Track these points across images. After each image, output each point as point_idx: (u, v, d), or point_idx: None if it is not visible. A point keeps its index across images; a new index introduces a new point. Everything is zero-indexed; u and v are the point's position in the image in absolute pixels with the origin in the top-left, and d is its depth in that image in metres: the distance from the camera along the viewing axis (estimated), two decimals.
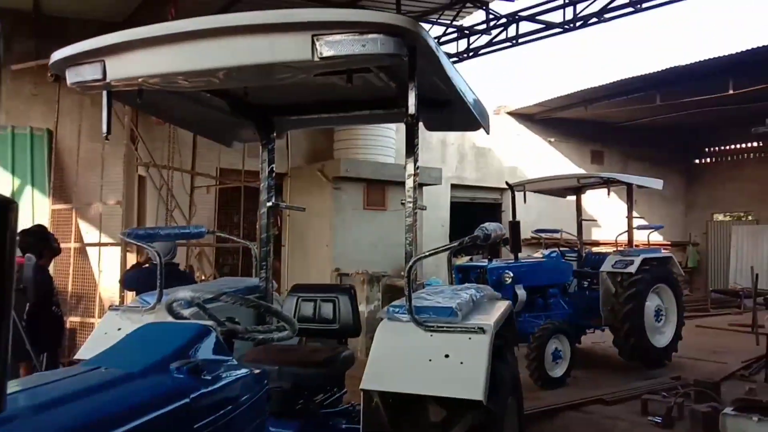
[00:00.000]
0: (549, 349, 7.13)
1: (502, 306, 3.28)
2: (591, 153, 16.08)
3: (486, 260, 7.62)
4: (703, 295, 16.40)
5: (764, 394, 6.84)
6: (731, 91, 11.02)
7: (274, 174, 3.81)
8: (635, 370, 8.06)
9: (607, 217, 15.55)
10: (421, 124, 3.76)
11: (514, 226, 7.69)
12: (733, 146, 17.81)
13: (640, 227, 8.39)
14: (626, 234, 8.78)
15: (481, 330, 2.61)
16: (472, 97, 3.40)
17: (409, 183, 3.48)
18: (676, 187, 18.23)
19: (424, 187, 11.89)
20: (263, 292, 3.75)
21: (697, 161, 18.59)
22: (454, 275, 7.64)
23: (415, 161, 3.45)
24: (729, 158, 17.96)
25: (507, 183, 8.10)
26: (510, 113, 14.94)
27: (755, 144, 17.27)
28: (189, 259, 9.01)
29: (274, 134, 3.76)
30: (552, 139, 15.51)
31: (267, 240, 3.81)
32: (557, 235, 10.55)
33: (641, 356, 8.07)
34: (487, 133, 3.74)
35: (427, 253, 3.00)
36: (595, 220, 12.30)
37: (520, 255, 8.20)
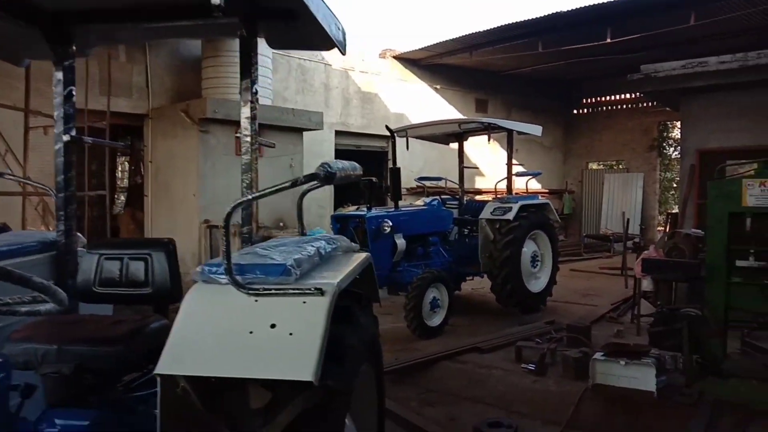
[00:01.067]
0: (427, 298, 6.89)
1: (357, 259, 2.77)
2: (475, 101, 16.03)
3: (365, 209, 7.19)
4: (577, 241, 17.21)
5: (631, 336, 7.06)
6: (609, 40, 11.15)
7: (73, 99, 3.00)
8: (512, 316, 8.09)
9: (490, 166, 15.73)
10: (263, 41, 3.12)
11: (394, 173, 7.28)
12: (608, 97, 18.52)
13: (518, 174, 8.31)
14: (506, 181, 8.67)
15: (319, 291, 2.08)
16: (323, 10, 2.78)
17: (245, 112, 2.85)
18: (555, 136, 18.78)
19: (305, 133, 11.21)
20: (63, 248, 3.00)
21: (576, 111, 19.19)
22: (331, 225, 7.15)
23: (252, 84, 2.82)
24: (605, 108, 18.69)
25: (387, 128, 7.62)
26: (396, 57, 14.41)
27: (628, 95, 18.04)
28: (26, 211, 7.81)
29: (73, 49, 2.94)
30: (438, 87, 15.23)
31: (66, 183, 3.03)
32: (441, 183, 10.34)
33: (518, 302, 8.09)
34: (342, 53, 3.17)
35: (251, 197, 2.44)
36: (477, 167, 12.26)
37: (401, 203, 7.84)
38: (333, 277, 2.31)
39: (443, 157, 14.65)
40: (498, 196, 8.37)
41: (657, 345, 5.27)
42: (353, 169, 2.63)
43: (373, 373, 2.96)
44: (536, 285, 8.55)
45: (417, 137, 8.97)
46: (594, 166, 19.50)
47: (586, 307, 8.84)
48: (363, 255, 2.82)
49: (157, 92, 10.10)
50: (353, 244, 2.99)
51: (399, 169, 7.30)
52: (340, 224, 7.29)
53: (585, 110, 19.10)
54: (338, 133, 12.87)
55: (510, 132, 8.51)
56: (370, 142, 13.81)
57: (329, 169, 2.29)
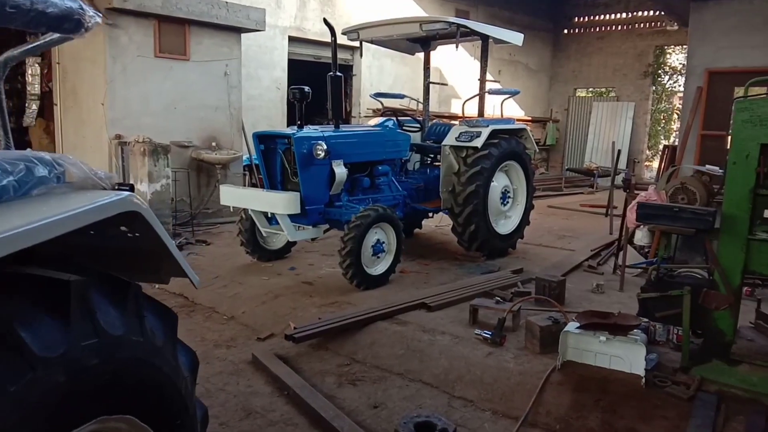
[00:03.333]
0: (368, 241, 5.60)
1: (73, 205, 1.46)
2: (456, 11, 14.22)
3: (296, 127, 5.74)
4: (558, 174, 15.97)
5: (613, 292, 5.89)
6: None
7: None
8: (475, 262, 6.88)
9: (470, 87, 14.17)
10: None
11: (334, 81, 5.78)
12: (601, 17, 16.78)
13: (491, 91, 6.87)
14: (477, 101, 7.21)
15: None
16: None
17: None
18: (542, 58, 17.15)
19: (249, 37, 9.52)
20: None
21: (565, 31, 17.45)
22: (254, 146, 5.74)
23: None
24: (597, 29, 16.97)
25: (325, 21, 6.03)
26: None
27: (623, 15, 16.33)
28: None
29: None
30: None
31: None
32: (404, 102, 8.84)
33: (482, 245, 6.86)
34: None
35: None
36: (446, 84, 10.71)
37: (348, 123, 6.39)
38: None
39: (417, 74, 13.02)
40: (466, 119, 6.95)
41: (648, 315, 4.07)
42: None
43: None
44: (505, 225, 7.30)
45: (373, 42, 7.40)
46: (582, 93, 17.98)
47: (562, 252, 7.65)
48: (107, 198, 1.47)
49: None
50: (100, 174, 1.63)
51: (341, 77, 5.81)
52: (265, 145, 5.86)
53: (575, 30, 17.37)
54: (293, 40, 11.15)
55: (484, 39, 6.99)
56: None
57: None
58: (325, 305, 5.23)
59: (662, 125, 17.65)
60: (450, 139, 6.76)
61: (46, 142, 9.47)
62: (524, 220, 7.48)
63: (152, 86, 7.93)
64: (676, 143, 7.42)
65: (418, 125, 7.29)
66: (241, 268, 6.42)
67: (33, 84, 9.11)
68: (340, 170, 5.83)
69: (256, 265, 6.51)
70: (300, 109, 5.71)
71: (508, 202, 7.22)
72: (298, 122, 5.72)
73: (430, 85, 8.06)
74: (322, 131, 5.80)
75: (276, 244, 6.56)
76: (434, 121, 8.35)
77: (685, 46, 17.49)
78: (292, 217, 5.58)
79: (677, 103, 17.93)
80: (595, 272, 6.66)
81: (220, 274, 6.17)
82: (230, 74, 8.71)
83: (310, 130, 5.76)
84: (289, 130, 5.69)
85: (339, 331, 4.59)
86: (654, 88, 16.37)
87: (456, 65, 13.71)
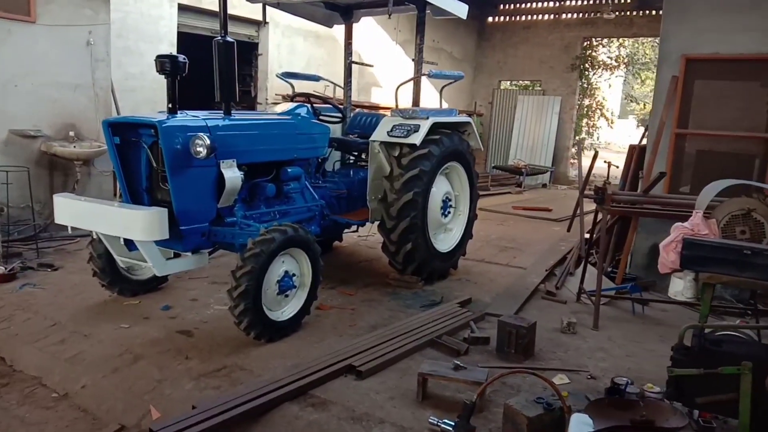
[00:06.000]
0: (272, 275, 4.01)
1: None
2: None
3: (165, 114, 4.03)
4: (482, 172, 14.91)
5: (586, 328, 4.65)
6: None
7: None
8: (410, 288, 5.45)
9: (393, 75, 12.76)
10: None
11: (223, 49, 4.11)
12: (527, 5, 15.85)
13: (432, 74, 5.45)
14: (412, 86, 5.75)
15: None
16: None
17: None
18: (466, 47, 16.03)
19: (126, 4, 7.56)
20: None
21: (490, 19, 16.42)
22: (106, 140, 3.97)
23: None
24: (522, 18, 16.03)
25: None
26: None
27: (549, 3, 15.48)
28: None
29: None
30: None
31: None
32: (319, 86, 7.26)
33: (420, 268, 5.44)
34: None
35: None
36: (371, 66, 9.20)
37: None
38: None
39: (333, 58, 11.45)
40: (399, 109, 5.48)
41: (683, 400, 2.78)
42: None
43: None
44: (446, 241, 5.92)
45: (280, 6, 5.75)
46: (506, 85, 17.06)
47: (510, 271, 6.39)
48: None
49: None
50: None
51: (232, 44, 4.14)
52: (121, 138, 4.10)
53: (500, 18, 16.37)
54: (184, 9, 9.21)
55: (422, 7, 5.54)
56: (232, 28, 10.21)
57: None
58: (207, 374, 3.59)
59: (585, 121, 17.03)
60: (380, 134, 5.27)
61: None
62: (467, 234, 6.14)
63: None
64: (644, 142, 6.31)
65: (340, 114, 5.73)
66: (93, 308, 4.62)
67: None
68: (232, 174, 4.18)
69: (116, 303, 4.73)
70: (172, 88, 4.00)
71: (449, 213, 5.84)
72: (169, 106, 4.01)
73: (353, 65, 6.51)
74: (204, 119, 4.12)
75: (144, 273, 4.81)
76: (357, 110, 6.82)
77: (611, 39, 17.02)
78: (162, 242, 3.89)
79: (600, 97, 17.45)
80: (556, 300, 5.42)
81: (60, 321, 4.34)
82: (95, 44, 6.74)
83: (185, 117, 4.06)
84: (156, 117, 3.96)
85: (224, 426, 2.99)
86: (581, 82, 15.66)
87: (376, 48, 12.23)
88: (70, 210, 3.98)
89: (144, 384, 3.48)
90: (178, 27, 9.16)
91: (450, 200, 5.80)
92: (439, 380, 3.32)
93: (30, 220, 6.12)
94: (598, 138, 17.71)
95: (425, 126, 5.15)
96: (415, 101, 5.83)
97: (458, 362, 3.41)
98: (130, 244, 4.10)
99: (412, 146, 5.13)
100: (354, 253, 6.82)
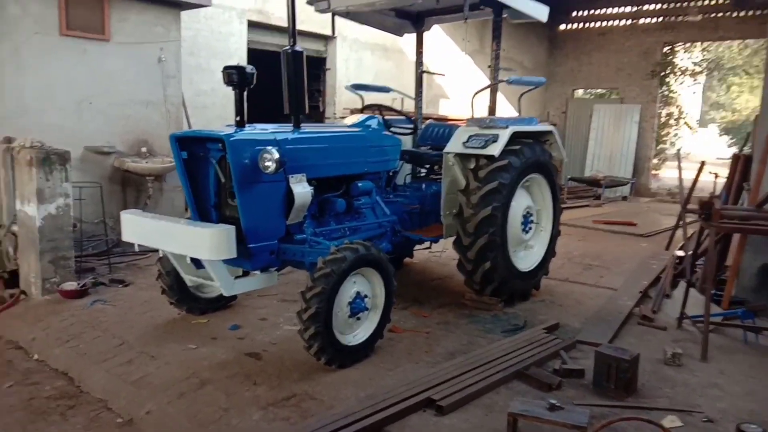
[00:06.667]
0: (344, 296, 3.74)
1: None
2: None
3: (233, 127, 3.86)
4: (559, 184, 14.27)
5: (692, 361, 4.13)
6: None
7: None
8: (489, 310, 5.06)
9: (462, 86, 12.43)
10: None
11: (292, 58, 3.91)
12: (603, 11, 15.15)
13: (511, 81, 5.06)
14: (489, 94, 5.40)
15: None
16: None
17: None
18: (536, 56, 15.48)
19: (189, 14, 7.61)
20: None
21: (562, 27, 15.81)
22: (174, 155, 3.84)
23: None
24: (597, 24, 15.34)
25: None
26: None
27: (626, 9, 14.73)
28: None
29: None
30: None
31: None
32: (388, 97, 7.02)
33: (499, 288, 5.04)
34: None
35: None
36: (443, 74, 8.89)
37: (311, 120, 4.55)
38: None
39: (401, 71, 11.25)
40: (475, 118, 5.14)
41: None
42: None
43: None
44: (527, 259, 5.50)
45: (349, 15, 5.55)
46: (580, 94, 16.35)
47: (598, 292, 5.87)
48: None
49: None
50: None
51: (301, 53, 3.94)
52: (189, 152, 3.96)
53: (573, 25, 15.73)
54: (253, 25, 9.24)
55: (498, 11, 5.19)
56: (300, 44, 10.17)
57: None
58: (276, 403, 3.34)
59: (667, 130, 16.06)
60: (455, 145, 4.94)
61: None
62: (550, 251, 5.70)
63: (58, 74, 5.98)
64: (748, 150, 5.68)
65: (411, 126, 5.43)
66: (162, 327, 4.50)
67: None
68: (302, 189, 3.96)
69: (184, 321, 4.59)
70: (240, 100, 3.82)
71: (530, 228, 5.42)
72: (237, 119, 3.83)
73: (423, 76, 6.23)
74: (273, 132, 3.92)
75: (212, 291, 4.66)
76: (429, 121, 6.52)
77: (694, 44, 16.03)
78: (230, 260, 3.70)
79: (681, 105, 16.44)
80: (653, 326, 4.88)
81: (128, 340, 4.23)
82: (166, 60, 6.78)
83: (253, 131, 3.87)
84: (223, 130, 3.80)
85: None
86: (661, 89, 14.77)
87: (444, 59, 11.94)
88: (136, 228, 3.87)
89: (210, 412, 3.27)
90: (247, 43, 9.19)
91: (531, 215, 5.39)
92: (533, 422, 2.93)
93: (103, 236, 6.15)
94: (680, 148, 16.63)
95: (504, 135, 4.78)
96: (492, 110, 5.47)
97: (554, 401, 3.01)
98: (197, 263, 3.94)
99: (490, 158, 4.78)
100: (426, 270, 6.50)
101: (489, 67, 5.43)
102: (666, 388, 3.72)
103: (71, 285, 5.08)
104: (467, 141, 4.86)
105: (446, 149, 4.96)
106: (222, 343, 4.20)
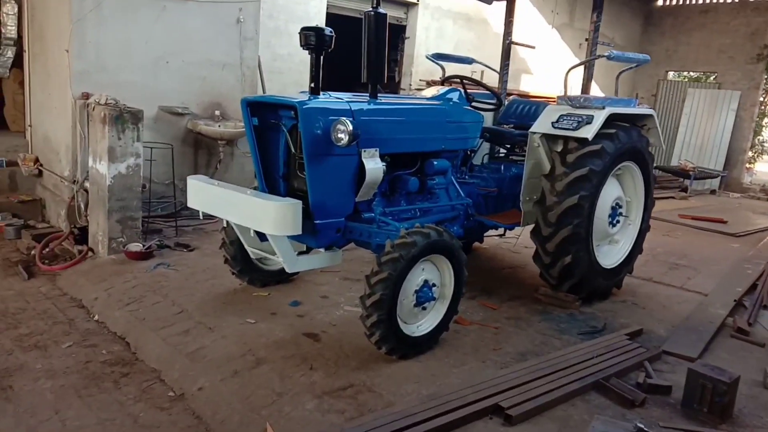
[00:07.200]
0: (411, 284, 3.47)
1: None
2: None
3: (307, 94, 3.60)
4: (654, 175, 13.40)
5: None
6: None
7: None
8: (565, 308, 4.67)
9: (548, 63, 11.73)
10: None
11: (374, 21, 3.60)
12: None
13: (612, 57, 4.55)
14: (582, 71, 4.91)
15: None
16: None
17: None
18: (630, 33, 14.45)
19: None
20: None
21: (660, 2, 14.67)
22: (245, 120, 3.65)
23: None
24: (699, 0, 14.13)
25: None
26: None
27: None
28: None
29: None
30: None
31: None
32: (469, 69, 6.59)
33: (578, 285, 4.64)
34: None
35: None
36: (533, 47, 8.34)
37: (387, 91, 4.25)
38: None
39: (483, 41, 10.70)
40: (567, 96, 4.68)
41: None
42: None
43: None
44: (611, 255, 5.04)
45: None
46: (673, 76, 15.21)
47: (686, 296, 5.36)
48: None
49: None
50: None
51: (384, 16, 3.62)
52: (260, 119, 3.75)
53: (672, 1, 14.56)
54: None
55: None
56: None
57: None
58: (332, 392, 3.14)
59: (766, 121, 14.71)
60: (543, 125, 4.52)
61: (21, 98, 7.62)
62: (636, 248, 5.21)
63: (137, 31, 5.90)
64: None
65: (496, 101, 5.03)
66: (222, 297, 4.38)
67: (8, 25, 7.24)
68: (374, 165, 3.68)
69: (245, 292, 4.46)
70: (316, 65, 3.56)
71: (617, 222, 4.95)
72: (311, 85, 3.58)
73: (511, 47, 5.77)
74: (348, 101, 3.64)
75: (275, 265, 4.49)
76: (512, 97, 6.08)
77: None
78: (294, 236, 3.48)
79: None
80: (750, 341, 4.37)
81: (188, 308, 4.14)
82: (245, 21, 6.61)
83: (328, 99, 3.61)
84: (296, 97, 3.55)
85: None
86: (767, 75, 13.49)
87: (530, 32, 11.26)
88: (202, 195, 3.72)
89: (263, 395, 3.10)
90: (327, 8, 8.92)
91: (620, 207, 4.92)
92: None
93: (172, 198, 6.12)
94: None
95: (600, 117, 4.32)
96: (585, 88, 4.99)
97: (641, 424, 2.64)
98: (261, 235, 3.76)
99: (582, 141, 4.33)
100: (496, 257, 6.13)
101: (586, 40, 4.95)
102: (767, 417, 3.27)
103: (137, 246, 5.06)
104: (557, 121, 4.43)
105: (533, 128, 4.54)
106: (281, 319, 4.03)
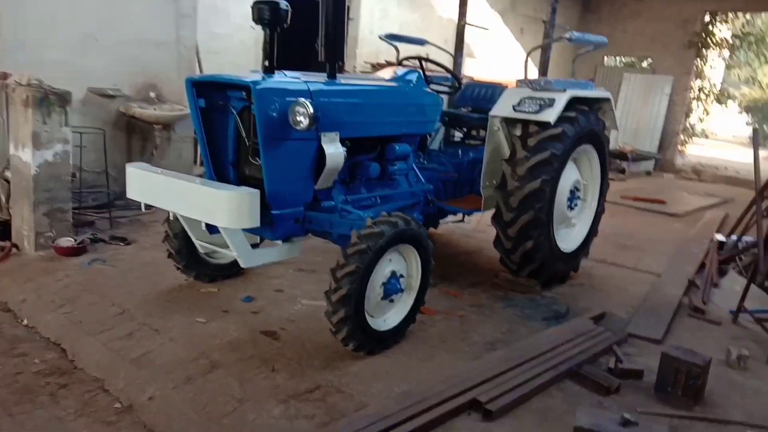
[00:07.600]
0: (378, 276, 3.27)
1: None
2: None
3: (260, 73, 3.31)
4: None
5: (760, 368, 3.68)
6: None
7: None
8: (525, 293, 4.59)
9: (488, 46, 11.70)
10: None
11: (334, 3, 3.33)
12: None
13: (573, 38, 4.43)
14: (539, 53, 4.81)
15: None
16: None
17: None
18: (567, 19, 14.60)
19: None
20: None
21: None
22: (189, 101, 3.30)
23: None
24: None
25: None
26: None
27: None
28: None
29: None
30: None
31: None
32: (422, 50, 6.40)
33: (539, 270, 4.56)
34: None
35: None
36: (486, 28, 8.24)
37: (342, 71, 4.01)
38: None
39: (427, 24, 10.52)
40: (527, 79, 4.56)
41: None
42: None
43: None
44: (569, 239, 5.01)
45: None
46: (607, 62, 15.55)
47: (639, 276, 5.42)
48: None
49: None
50: None
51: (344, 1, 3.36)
52: (207, 101, 3.43)
53: None
54: None
55: None
56: None
57: None
58: (298, 396, 2.91)
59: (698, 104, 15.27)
60: (503, 108, 4.39)
61: None
62: (592, 231, 5.21)
63: (61, 5, 5.37)
64: None
65: (456, 84, 4.85)
66: (166, 294, 4.04)
67: None
68: (335, 150, 3.43)
69: (191, 289, 4.14)
70: (271, 42, 3.26)
71: (576, 205, 4.91)
72: (265, 63, 3.28)
73: (466, 28, 5.62)
74: (305, 81, 3.37)
75: (224, 258, 4.18)
76: (466, 80, 5.93)
77: (737, 15, 15.13)
78: (249, 228, 3.20)
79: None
80: (707, 320, 4.43)
81: (129, 308, 3.78)
82: None
83: (284, 79, 3.32)
84: (249, 77, 3.25)
85: None
86: (698, 62, 13.98)
87: (471, 16, 11.16)
88: (143, 184, 3.37)
89: (222, 403, 2.83)
90: None
91: (579, 190, 4.87)
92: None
93: (104, 187, 5.65)
94: (756, 129, 15.72)
95: (562, 100, 4.23)
96: (543, 71, 4.89)
97: (627, 415, 2.56)
98: (211, 227, 3.45)
99: (543, 124, 4.23)
100: (450, 243, 6.01)
101: (544, 22, 4.83)
102: (736, 396, 3.29)
103: (68, 241, 4.61)
104: (518, 104, 4.30)
105: (493, 112, 4.41)
106: (234, 317, 3.75)
